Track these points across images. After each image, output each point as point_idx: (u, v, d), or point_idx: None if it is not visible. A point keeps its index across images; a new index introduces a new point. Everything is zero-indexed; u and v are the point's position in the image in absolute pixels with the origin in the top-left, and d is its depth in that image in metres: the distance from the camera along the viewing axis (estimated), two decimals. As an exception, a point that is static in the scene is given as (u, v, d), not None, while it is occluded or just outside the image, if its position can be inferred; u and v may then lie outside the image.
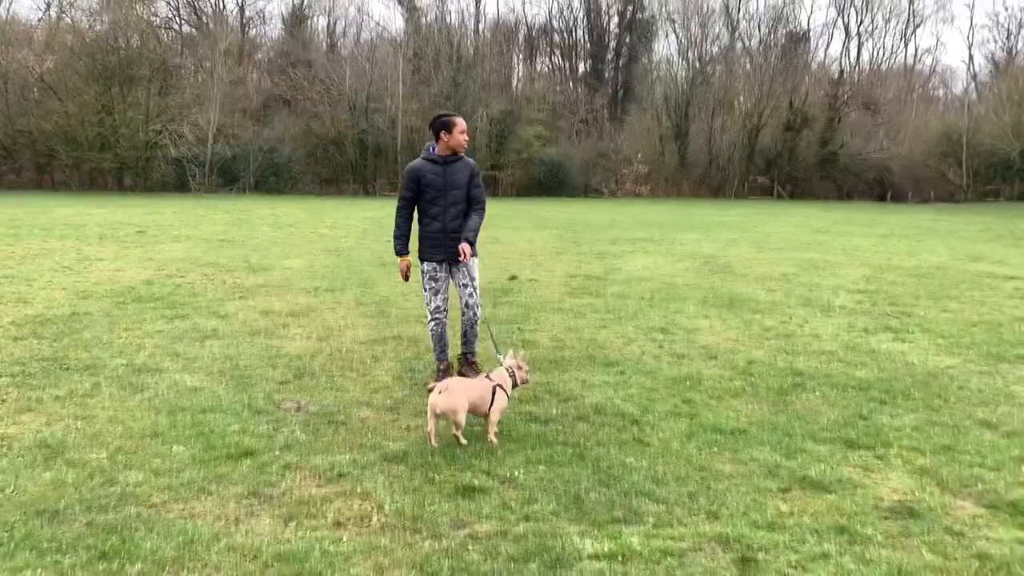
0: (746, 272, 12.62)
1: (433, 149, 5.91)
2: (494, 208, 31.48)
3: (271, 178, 45.41)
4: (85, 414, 5.06)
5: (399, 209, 6.00)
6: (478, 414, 4.70)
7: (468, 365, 6.15)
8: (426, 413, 4.60)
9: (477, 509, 3.74)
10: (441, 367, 6.06)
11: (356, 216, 25.83)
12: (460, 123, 5.87)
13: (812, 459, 4.44)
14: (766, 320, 8.65)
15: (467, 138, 5.93)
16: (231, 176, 44.86)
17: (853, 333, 8.04)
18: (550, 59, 66.71)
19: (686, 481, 4.11)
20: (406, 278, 6.16)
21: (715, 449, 4.59)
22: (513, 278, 11.50)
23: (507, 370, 4.95)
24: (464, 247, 5.67)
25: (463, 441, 4.56)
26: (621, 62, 62.47)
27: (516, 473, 4.17)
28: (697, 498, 3.90)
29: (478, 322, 6.07)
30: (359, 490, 3.94)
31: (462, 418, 4.52)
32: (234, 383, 5.85)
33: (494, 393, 4.70)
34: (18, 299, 9.19)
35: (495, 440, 4.63)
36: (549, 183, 49.07)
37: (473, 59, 52.33)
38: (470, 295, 5.95)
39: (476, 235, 5.88)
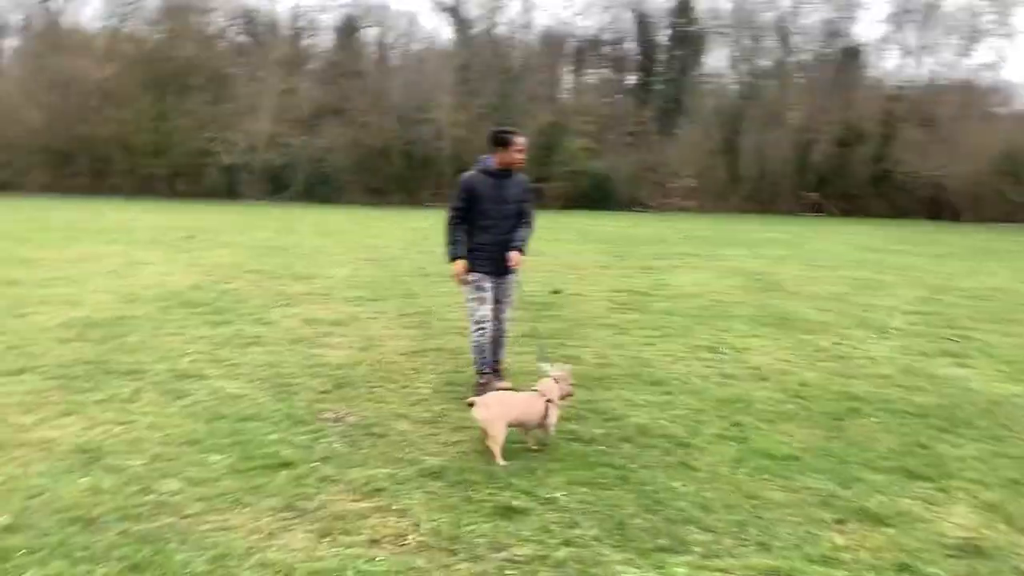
0: (797, 290, 12.31)
1: (489, 161, 5.88)
2: (540, 220, 31.36)
3: (319, 187, 45.88)
4: (125, 419, 5.05)
5: (451, 219, 5.95)
6: (527, 427, 4.66)
7: (494, 373, 6.09)
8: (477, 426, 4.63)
9: (516, 531, 3.61)
10: (482, 380, 5.96)
11: (401, 227, 25.92)
12: (518, 141, 5.83)
13: (869, 489, 4.23)
14: (819, 340, 8.39)
15: (523, 157, 5.90)
16: (280, 184, 45.44)
17: (910, 356, 7.74)
18: (598, 71, 66.55)
19: (735, 509, 3.93)
20: (464, 282, 6.02)
21: (766, 476, 4.40)
22: (557, 292, 11.35)
23: (552, 381, 4.94)
24: (515, 255, 5.78)
25: (501, 461, 4.43)
26: (671, 75, 62.04)
27: (557, 495, 4.03)
28: (747, 528, 3.72)
29: (506, 335, 6.21)
30: (396, 506, 3.84)
31: (499, 433, 4.47)
32: (275, 391, 5.81)
33: (547, 406, 4.73)
34: (67, 301, 9.31)
35: (552, 432, 4.77)
36: (595, 196, 48.77)
37: (521, 70, 52.39)
38: (503, 310, 6.10)
39: (525, 245, 5.97)
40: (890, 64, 72.26)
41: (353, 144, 48.47)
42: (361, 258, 15.34)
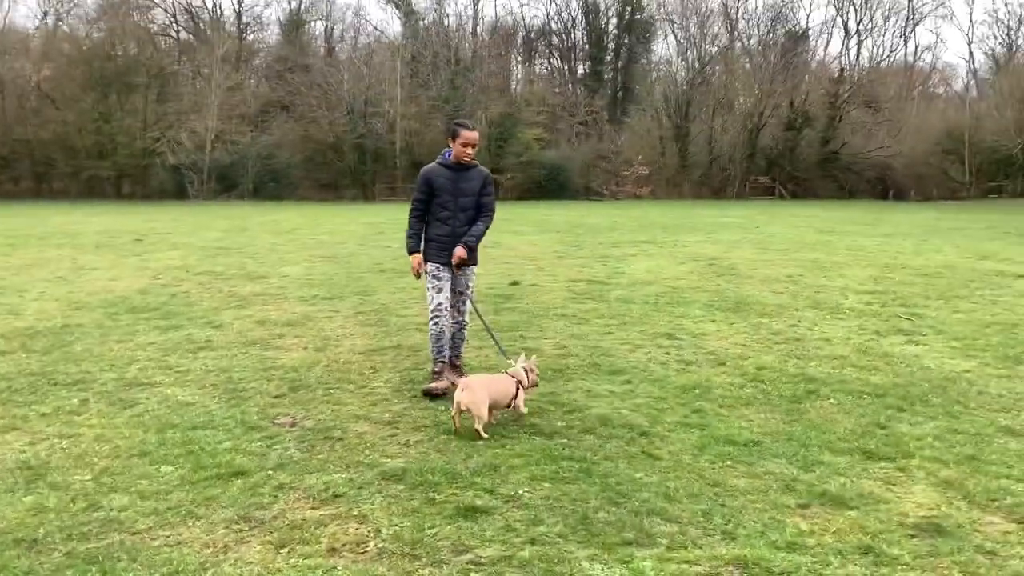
0: (751, 274, 12.42)
1: (448, 155, 5.90)
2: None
3: (270, 184, 45.24)
4: (71, 432, 4.86)
5: (412, 211, 6.05)
6: (498, 408, 4.98)
7: (453, 368, 6.06)
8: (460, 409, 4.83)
9: (480, 532, 3.54)
10: (436, 369, 5.95)
11: (355, 222, 25.63)
12: (465, 134, 5.81)
13: (831, 472, 4.24)
14: (774, 323, 8.45)
15: (470, 151, 5.86)
16: (229, 183, 44.69)
17: (864, 336, 7.84)
18: (549, 61, 66.62)
19: (699, 498, 3.90)
20: (418, 276, 6.06)
21: (728, 462, 4.39)
22: (515, 283, 11.30)
23: (523, 370, 5.25)
24: (459, 250, 5.84)
25: (484, 435, 4.73)
26: (620, 63, 62.32)
27: (521, 491, 3.97)
28: (712, 517, 3.70)
29: (466, 327, 6.22)
30: (355, 512, 3.74)
31: (484, 412, 4.76)
32: (227, 397, 5.66)
33: (518, 388, 5.05)
34: (9, 311, 9.00)
35: (524, 410, 5.08)
36: (549, 186, 48.88)
37: (471, 62, 52.15)
38: (463, 303, 6.11)
39: (478, 241, 6.01)
40: (833, 48, 73.40)
41: (303, 140, 47.88)
42: (315, 255, 15.12)
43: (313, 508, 3.80)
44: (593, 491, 3.97)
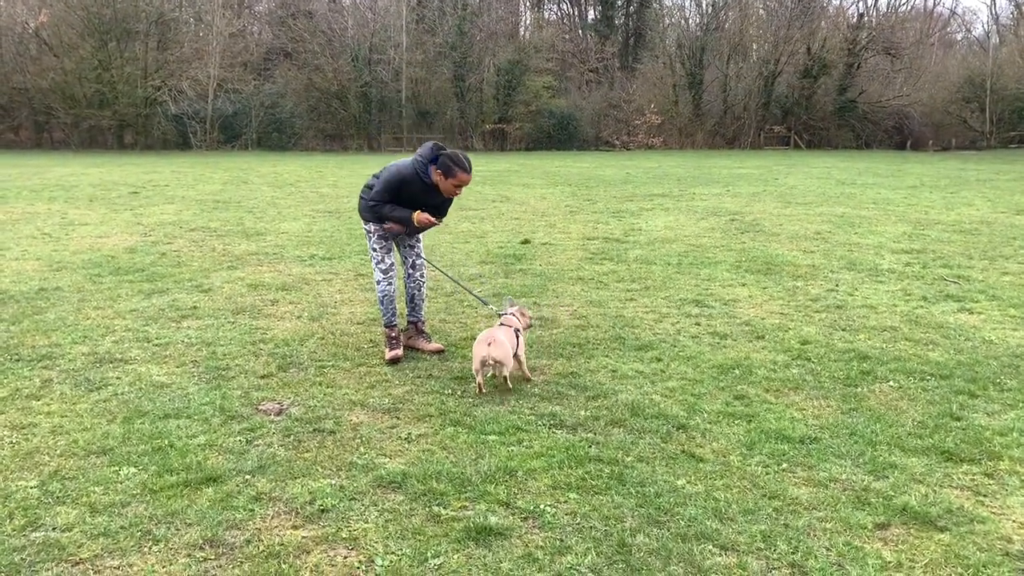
0: (777, 231, 11.68)
1: (429, 174, 5.24)
2: (503, 163, 30.32)
3: (273, 134, 44.19)
4: (25, 422, 4.25)
5: (374, 207, 5.46)
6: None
7: (419, 334, 5.73)
8: (477, 372, 4.70)
9: (494, 564, 2.91)
10: (392, 334, 5.53)
11: (359, 174, 24.79)
12: (462, 177, 5.18)
13: (907, 479, 3.59)
14: (810, 287, 7.76)
15: (460, 193, 5.36)
16: (233, 132, 43.67)
17: (911, 303, 7.15)
18: (559, 6, 64.80)
19: (756, 515, 3.27)
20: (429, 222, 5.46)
21: (784, 465, 3.74)
22: (526, 242, 10.60)
23: (513, 315, 5.14)
24: (421, 214, 5.32)
25: (510, 386, 4.73)
26: (631, 8, 60.50)
27: (542, 506, 3.33)
28: (774, 542, 3.06)
29: (424, 285, 5.87)
30: (344, 534, 3.12)
31: (512, 363, 4.70)
32: (208, 377, 5.03)
33: (517, 336, 4.88)
34: (-15, 272, 8.38)
35: (530, 376, 4.96)
36: (559, 136, 47.69)
37: (479, 7, 50.53)
38: (417, 256, 5.79)
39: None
40: (852, -8, 71.22)
41: (306, 88, 46.69)
42: (317, 210, 14.41)
43: (295, 527, 3.18)
44: (629, 505, 3.34)
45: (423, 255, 5.86)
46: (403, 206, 5.35)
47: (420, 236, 5.80)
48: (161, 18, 45.54)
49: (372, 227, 5.54)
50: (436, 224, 5.39)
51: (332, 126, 48.18)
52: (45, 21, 43.65)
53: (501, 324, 4.97)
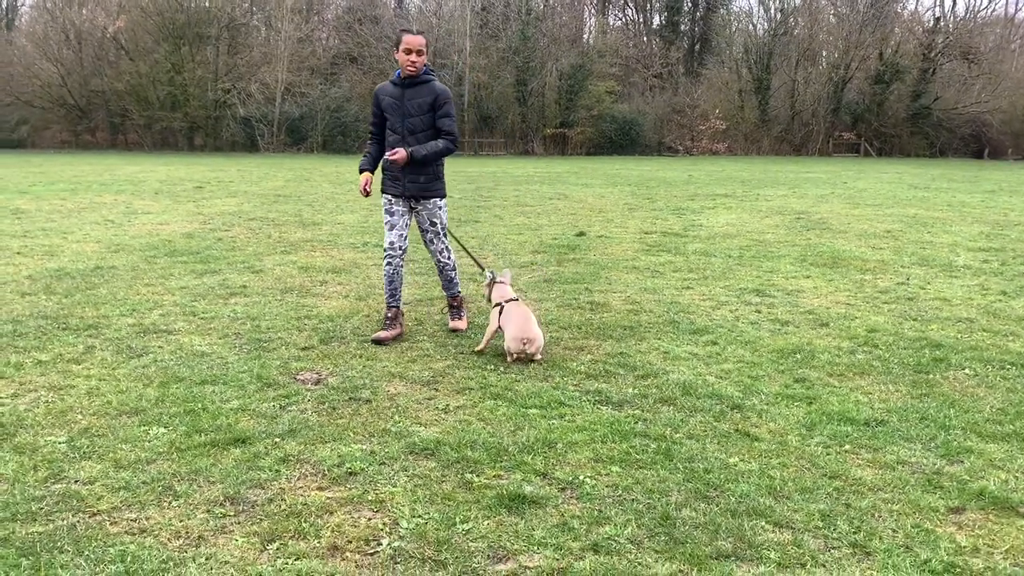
0: (844, 229, 11.22)
1: (399, 72, 5.12)
2: (562, 166, 30.14)
3: (339, 137, 44.75)
4: (63, 383, 4.21)
5: (369, 135, 5.41)
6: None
7: (453, 309, 5.54)
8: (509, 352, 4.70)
9: (527, 531, 2.71)
10: (389, 314, 5.30)
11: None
12: (407, 39, 5.03)
13: (985, 464, 3.28)
14: (879, 281, 7.37)
15: (414, 58, 5.03)
16: (299, 135, 44.40)
17: (989, 296, 6.72)
18: (623, 12, 64.35)
19: (815, 494, 3.00)
20: (366, 193, 5.32)
21: (847, 446, 3.46)
22: (581, 234, 10.37)
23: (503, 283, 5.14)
24: (399, 152, 4.97)
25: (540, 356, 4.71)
26: (698, 14, 59.73)
27: (581, 477, 3.12)
28: (834, 521, 2.79)
29: (445, 262, 5.51)
30: (371, 496, 2.96)
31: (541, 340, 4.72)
32: (249, 348, 4.94)
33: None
34: (46, 252, 8.51)
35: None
36: (621, 141, 47.22)
37: (543, 12, 50.48)
38: (431, 241, 5.43)
39: (428, 154, 5.09)
40: (928, -3, 69.07)
41: (372, 92, 47.15)
42: (376, 204, 14.39)
43: (320, 488, 3.03)
44: (675, 480, 3.10)
45: (442, 239, 5.43)
46: (390, 124, 5.17)
47: (436, 219, 5.33)
48: (232, 23, 46.68)
49: (382, 199, 5.36)
50: (399, 157, 4.98)
51: (395, 130, 48.53)
52: (122, 26, 45.09)
53: (513, 299, 4.96)
